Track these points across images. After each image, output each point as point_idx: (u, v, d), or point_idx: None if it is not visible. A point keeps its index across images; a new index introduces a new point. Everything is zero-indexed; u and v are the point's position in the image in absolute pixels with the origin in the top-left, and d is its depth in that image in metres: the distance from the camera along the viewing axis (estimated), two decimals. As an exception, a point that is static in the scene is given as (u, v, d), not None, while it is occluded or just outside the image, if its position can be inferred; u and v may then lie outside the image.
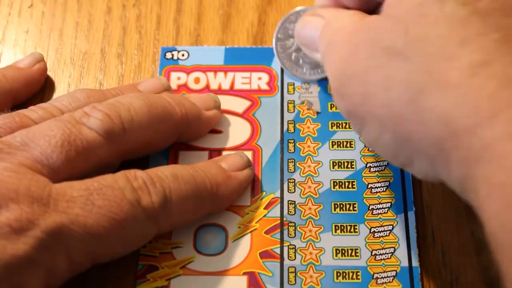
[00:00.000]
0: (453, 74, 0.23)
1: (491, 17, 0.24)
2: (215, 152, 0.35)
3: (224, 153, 0.35)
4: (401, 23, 0.26)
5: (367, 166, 0.34)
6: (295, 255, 0.32)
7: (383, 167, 0.34)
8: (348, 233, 0.32)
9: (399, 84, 0.25)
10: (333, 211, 0.33)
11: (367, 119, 0.27)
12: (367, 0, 0.32)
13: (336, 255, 0.32)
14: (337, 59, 0.29)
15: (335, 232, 0.32)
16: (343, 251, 0.32)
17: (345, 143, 0.35)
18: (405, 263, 0.32)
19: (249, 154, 0.35)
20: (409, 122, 0.25)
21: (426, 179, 0.27)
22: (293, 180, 0.34)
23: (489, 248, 0.32)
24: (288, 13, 0.36)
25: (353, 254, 0.32)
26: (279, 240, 0.32)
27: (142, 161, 0.34)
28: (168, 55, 0.38)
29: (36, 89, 0.37)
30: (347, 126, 0.35)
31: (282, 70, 0.37)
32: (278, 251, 0.32)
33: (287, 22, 0.37)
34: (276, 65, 0.37)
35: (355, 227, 0.33)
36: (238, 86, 0.37)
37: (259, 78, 0.37)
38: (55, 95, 0.37)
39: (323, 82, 0.37)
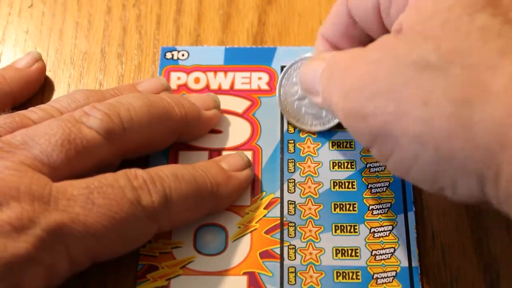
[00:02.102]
0: (499, 84, 0.22)
1: None
2: (215, 152, 0.35)
3: (224, 153, 0.35)
4: (430, 38, 0.25)
5: (367, 166, 0.34)
6: (295, 255, 0.32)
7: (383, 167, 0.34)
8: (348, 233, 0.32)
9: (439, 98, 0.24)
10: (333, 211, 0.33)
11: (400, 138, 0.25)
12: (366, 42, 0.32)
13: (336, 255, 0.32)
14: (348, 82, 0.27)
15: (335, 232, 0.32)
16: (343, 251, 0.32)
17: (345, 143, 0.35)
18: (405, 263, 0.32)
19: (249, 154, 0.35)
20: (454, 137, 0.23)
21: (469, 202, 0.25)
22: (293, 180, 0.34)
23: (489, 248, 0.32)
24: (293, 60, 0.35)
25: (353, 254, 0.32)
26: (279, 240, 0.32)
27: (142, 161, 0.34)
28: (168, 55, 0.38)
29: (36, 89, 0.37)
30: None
31: (282, 70, 0.37)
32: (278, 251, 0.32)
33: (292, 69, 0.36)
34: (276, 65, 0.37)
35: (355, 227, 0.33)
36: (238, 86, 0.37)
37: (259, 78, 0.37)
38: (55, 95, 0.37)
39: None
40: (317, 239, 0.32)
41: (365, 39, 0.32)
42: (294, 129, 0.35)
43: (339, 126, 0.35)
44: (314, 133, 0.35)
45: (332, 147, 0.35)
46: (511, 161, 0.22)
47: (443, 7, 0.25)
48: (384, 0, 0.29)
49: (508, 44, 0.23)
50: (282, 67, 0.37)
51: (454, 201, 0.25)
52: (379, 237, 0.32)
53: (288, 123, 0.35)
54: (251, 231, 0.33)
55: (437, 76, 0.24)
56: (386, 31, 0.30)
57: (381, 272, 0.31)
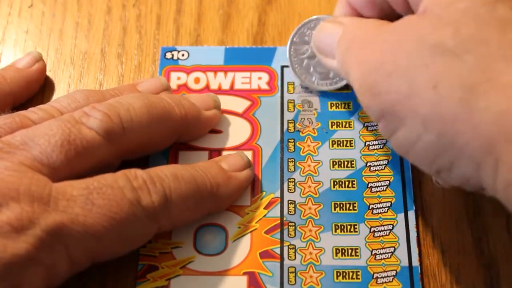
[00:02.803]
0: (510, 76, 0.23)
1: None
2: (215, 152, 0.35)
3: (224, 153, 0.35)
4: (450, 23, 0.25)
5: (367, 165, 0.34)
6: (295, 255, 0.32)
7: (383, 166, 0.34)
8: (348, 233, 0.32)
9: (450, 83, 0.24)
10: (333, 211, 0.33)
11: (407, 118, 0.26)
12: (388, 13, 0.32)
13: (336, 255, 0.32)
14: (367, 58, 0.28)
15: (335, 231, 0.32)
16: (343, 251, 0.32)
17: (345, 142, 0.35)
18: (405, 263, 0.32)
19: (249, 154, 0.35)
20: (459, 122, 0.24)
21: (463, 186, 0.26)
22: (293, 180, 0.34)
23: (489, 248, 0.32)
24: (307, 19, 0.36)
25: (353, 253, 0.32)
26: (279, 240, 0.32)
27: (142, 161, 0.34)
28: (168, 55, 0.38)
29: (36, 89, 0.37)
30: (347, 125, 0.35)
31: (282, 70, 0.37)
32: (278, 251, 0.32)
33: (305, 27, 0.36)
34: (276, 65, 0.37)
35: (355, 226, 0.33)
36: (238, 86, 0.37)
37: (259, 78, 0.37)
38: (55, 95, 0.37)
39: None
40: (317, 238, 0.32)
41: (387, 9, 0.32)
42: (294, 129, 0.35)
43: (344, 88, 0.36)
44: (320, 91, 0.36)
45: (332, 146, 0.35)
46: (511, 153, 0.22)
47: None
48: None
49: None
50: (282, 67, 0.37)
51: (448, 185, 0.26)
52: (379, 236, 0.32)
53: (299, 80, 0.36)
54: (251, 231, 0.33)
55: (452, 61, 0.24)
56: (406, 6, 0.30)
57: (381, 272, 0.31)
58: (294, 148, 0.35)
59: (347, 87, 0.36)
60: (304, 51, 0.36)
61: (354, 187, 0.34)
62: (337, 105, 0.36)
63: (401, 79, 0.26)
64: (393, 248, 0.32)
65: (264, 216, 0.33)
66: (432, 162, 0.26)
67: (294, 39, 0.36)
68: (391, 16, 0.33)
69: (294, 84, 0.37)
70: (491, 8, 0.25)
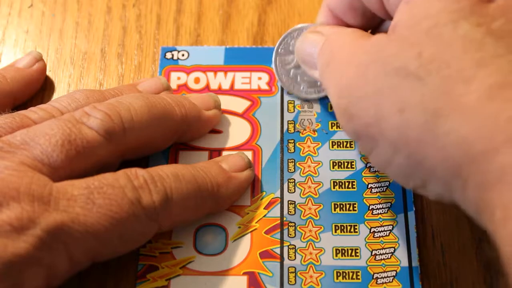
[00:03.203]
0: (470, 98, 0.23)
1: (506, 38, 0.24)
2: (215, 152, 0.35)
3: (224, 153, 0.35)
4: (414, 44, 0.25)
5: (367, 166, 0.34)
6: (295, 255, 0.32)
7: (383, 167, 0.34)
8: (348, 233, 0.32)
9: (414, 107, 0.24)
10: (333, 211, 0.33)
11: (378, 141, 0.26)
12: (370, 18, 0.33)
13: (336, 255, 0.32)
14: (342, 79, 0.28)
15: (335, 232, 0.32)
16: (343, 251, 0.32)
17: (345, 143, 0.35)
18: (405, 263, 0.32)
19: (249, 154, 0.35)
20: (425, 146, 0.24)
21: (439, 201, 0.26)
22: (293, 180, 0.34)
23: (488, 249, 0.32)
24: (290, 29, 0.36)
25: (353, 254, 0.32)
26: (279, 240, 0.32)
27: (142, 161, 0.34)
28: (168, 55, 0.38)
29: (36, 88, 0.37)
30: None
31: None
32: (278, 251, 0.32)
33: (289, 37, 0.36)
34: (276, 65, 0.37)
35: (355, 227, 0.33)
36: (238, 86, 0.37)
37: (259, 78, 0.37)
38: (55, 95, 0.37)
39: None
40: (317, 239, 0.32)
41: (369, 14, 0.32)
42: (294, 129, 0.35)
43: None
44: (308, 100, 0.36)
45: (332, 147, 0.35)
46: (476, 173, 0.22)
47: (432, 11, 0.25)
48: None
49: (485, 56, 0.23)
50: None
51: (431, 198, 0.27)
52: (379, 237, 0.32)
53: (285, 91, 0.36)
54: (251, 231, 0.33)
55: (415, 84, 0.24)
56: (387, 12, 0.30)
57: (381, 272, 0.31)
58: (294, 148, 0.35)
59: None
60: (290, 61, 0.36)
61: (354, 188, 0.34)
62: (337, 105, 0.36)
63: (370, 103, 0.26)
64: (393, 249, 0.32)
65: (264, 216, 0.33)
66: (406, 181, 0.27)
67: (279, 50, 0.36)
68: (374, 20, 0.33)
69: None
70: (453, 27, 0.24)
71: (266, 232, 0.32)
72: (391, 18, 0.30)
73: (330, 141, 0.35)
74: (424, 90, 0.24)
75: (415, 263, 0.32)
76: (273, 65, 0.36)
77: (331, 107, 0.36)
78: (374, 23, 0.34)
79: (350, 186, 0.34)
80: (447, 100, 0.23)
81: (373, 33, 0.33)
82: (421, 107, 0.24)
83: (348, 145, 0.35)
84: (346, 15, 0.33)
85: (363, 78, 0.27)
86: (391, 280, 0.31)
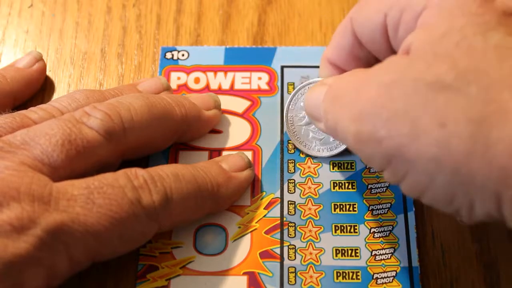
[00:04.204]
0: None
1: None
2: (215, 152, 0.35)
3: (224, 153, 0.35)
4: (446, 58, 0.24)
5: (367, 167, 0.34)
6: (295, 255, 0.32)
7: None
8: (348, 233, 0.32)
9: (456, 119, 0.23)
10: (333, 212, 0.33)
11: (416, 161, 0.24)
12: (372, 64, 0.32)
13: (336, 255, 0.32)
14: (359, 105, 0.26)
15: (335, 232, 0.32)
16: (343, 251, 0.32)
17: (345, 143, 0.35)
18: (405, 263, 0.32)
19: (249, 154, 0.35)
20: (474, 158, 0.23)
21: (485, 220, 0.25)
22: (293, 181, 0.34)
23: (489, 248, 0.32)
24: (300, 85, 0.35)
25: (353, 254, 0.32)
26: (279, 240, 0.32)
27: (142, 161, 0.34)
28: (168, 55, 0.38)
29: (36, 88, 0.37)
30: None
31: (282, 70, 0.37)
32: (278, 251, 0.32)
33: (299, 93, 0.35)
34: (276, 65, 0.37)
35: (355, 227, 0.33)
36: (238, 86, 0.37)
37: (259, 78, 0.37)
38: (55, 95, 0.37)
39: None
40: (317, 239, 0.32)
41: (372, 61, 0.32)
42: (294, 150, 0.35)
43: (346, 151, 0.34)
44: (321, 158, 0.35)
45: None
46: None
47: (456, 27, 0.25)
48: (391, 19, 0.28)
49: None
50: (282, 67, 0.37)
51: (472, 222, 0.25)
52: (379, 237, 0.32)
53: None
54: (251, 231, 0.33)
55: (454, 96, 0.23)
56: (393, 52, 0.30)
57: (381, 272, 0.31)
58: (294, 149, 0.35)
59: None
60: (301, 117, 0.35)
61: (354, 189, 0.34)
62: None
63: (402, 121, 0.25)
64: (393, 249, 0.32)
65: (264, 216, 0.33)
66: (450, 202, 0.25)
67: (290, 107, 0.35)
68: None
69: (294, 84, 0.37)
70: (484, 37, 0.24)
71: (266, 232, 0.32)
72: None
73: (330, 141, 0.35)
74: (465, 101, 0.23)
75: (415, 263, 0.32)
76: (284, 122, 0.35)
77: None
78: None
79: (350, 186, 0.34)
80: (492, 108, 0.22)
81: None
82: (465, 118, 0.23)
83: (348, 145, 0.35)
84: (348, 65, 0.33)
85: (388, 97, 0.25)
86: (391, 280, 0.31)
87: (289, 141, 0.35)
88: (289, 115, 0.35)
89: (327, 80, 0.31)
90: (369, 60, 0.32)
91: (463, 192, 0.24)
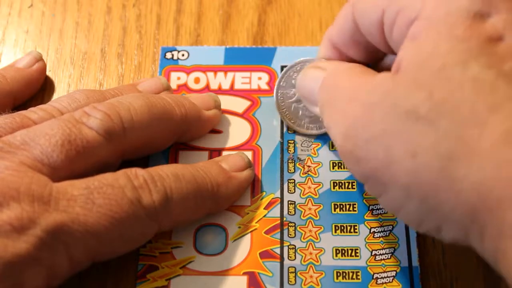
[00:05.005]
0: (485, 143, 0.22)
1: None
2: (215, 152, 0.35)
3: (224, 153, 0.35)
4: (423, 86, 0.24)
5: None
6: (295, 255, 0.32)
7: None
8: (348, 233, 0.32)
9: (427, 151, 0.23)
10: (333, 212, 0.33)
11: (388, 185, 0.25)
12: (372, 52, 0.32)
13: (336, 255, 0.32)
14: (346, 119, 0.27)
15: (335, 232, 0.32)
16: (343, 251, 0.32)
17: (345, 143, 0.35)
18: (405, 263, 0.32)
19: (249, 154, 0.35)
20: (440, 190, 0.23)
21: (454, 243, 0.25)
22: (293, 181, 0.34)
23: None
24: (293, 62, 0.35)
25: (353, 254, 0.32)
26: (279, 240, 0.32)
27: (142, 161, 0.34)
28: (168, 55, 0.38)
29: (36, 88, 0.37)
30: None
31: (282, 70, 0.37)
32: (278, 251, 0.32)
33: (291, 70, 0.35)
34: (276, 65, 0.37)
35: (355, 227, 0.33)
36: (238, 86, 0.37)
37: (259, 78, 0.37)
38: (55, 95, 0.37)
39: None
40: (317, 239, 0.32)
41: (371, 48, 0.31)
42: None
43: None
44: (310, 135, 0.35)
45: (332, 148, 0.35)
46: (493, 220, 0.22)
47: (441, 51, 0.24)
48: (388, 17, 0.28)
49: (498, 100, 0.22)
50: (282, 67, 0.37)
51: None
52: (379, 237, 0.32)
53: (284, 124, 0.35)
54: (251, 231, 0.33)
55: (426, 128, 0.24)
56: (389, 47, 0.30)
57: (381, 272, 0.31)
58: (294, 149, 0.35)
59: None
60: (292, 95, 0.35)
61: (354, 188, 0.34)
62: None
63: (378, 146, 0.25)
64: (393, 249, 0.32)
65: (264, 216, 0.33)
66: (420, 225, 0.26)
67: (281, 83, 0.35)
68: (377, 54, 0.32)
69: (294, 84, 0.37)
70: (463, 68, 0.23)
71: (266, 232, 0.32)
72: (394, 53, 0.29)
73: (330, 142, 0.35)
74: (436, 135, 0.23)
75: (415, 263, 0.32)
76: (274, 99, 0.35)
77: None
78: (376, 58, 0.33)
79: (350, 186, 0.34)
80: (461, 145, 0.23)
81: (374, 67, 0.32)
82: (434, 152, 0.23)
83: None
84: (348, 49, 0.32)
85: (369, 119, 0.26)
86: (391, 280, 0.31)
87: (289, 141, 0.35)
88: (279, 91, 0.35)
89: (325, 64, 0.32)
90: (369, 47, 0.32)
91: (431, 219, 0.25)
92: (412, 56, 0.26)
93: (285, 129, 0.35)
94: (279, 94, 0.35)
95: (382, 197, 0.27)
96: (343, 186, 0.34)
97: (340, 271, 0.31)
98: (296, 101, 0.35)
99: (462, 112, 0.23)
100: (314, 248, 0.32)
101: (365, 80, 0.28)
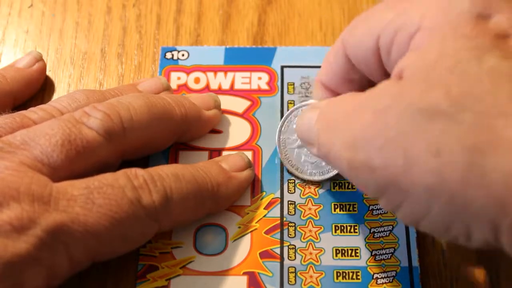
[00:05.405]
0: (511, 132, 0.22)
1: None
2: (215, 152, 0.35)
3: (224, 153, 0.35)
4: (439, 84, 0.23)
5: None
6: (295, 255, 0.32)
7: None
8: (348, 233, 0.32)
9: (451, 147, 0.22)
10: (333, 212, 0.33)
11: (410, 191, 0.24)
12: (365, 86, 0.31)
13: (336, 255, 0.32)
14: (353, 132, 0.26)
15: (335, 232, 0.32)
16: (343, 251, 0.32)
17: (345, 143, 0.35)
18: (405, 263, 0.32)
19: (249, 154, 0.35)
20: (469, 187, 0.22)
21: (483, 248, 0.24)
22: (293, 181, 0.34)
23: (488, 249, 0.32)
24: (293, 107, 0.35)
25: (353, 254, 0.32)
26: (279, 240, 0.32)
27: (142, 161, 0.34)
28: (168, 55, 0.38)
29: (36, 88, 0.37)
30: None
31: (282, 70, 0.37)
32: (278, 251, 0.32)
33: (293, 115, 0.35)
34: (276, 65, 0.37)
35: (355, 227, 0.33)
36: (238, 86, 0.37)
37: (259, 78, 0.37)
38: (55, 95, 0.37)
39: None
40: (317, 239, 0.32)
41: (365, 83, 0.31)
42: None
43: (338, 176, 0.34)
44: (313, 183, 0.34)
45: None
46: None
47: (449, 51, 0.24)
48: (384, 40, 0.28)
49: None
50: (282, 67, 0.37)
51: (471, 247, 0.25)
52: (379, 237, 0.32)
53: (287, 171, 0.34)
54: (251, 231, 0.33)
55: (449, 123, 0.23)
56: (386, 74, 0.29)
57: (381, 272, 0.31)
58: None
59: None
60: (293, 140, 0.34)
61: (354, 189, 0.34)
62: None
63: (395, 150, 0.24)
64: (393, 249, 0.32)
65: (264, 216, 0.33)
66: (446, 231, 0.24)
67: (282, 129, 0.35)
68: (369, 87, 0.32)
69: (294, 84, 0.37)
70: (479, 62, 0.23)
71: (266, 232, 0.32)
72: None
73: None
74: (460, 128, 0.22)
75: (415, 263, 0.32)
76: (276, 144, 0.35)
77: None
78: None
79: (350, 186, 0.34)
80: (488, 136, 0.22)
81: None
82: (460, 146, 0.22)
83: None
84: (341, 88, 0.32)
85: (381, 124, 0.25)
86: (391, 280, 0.31)
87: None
88: (281, 137, 0.35)
89: (319, 103, 0.31)
90: (363, 82, 0.31)
91: (460, 221, 0.23)
92: (417, 61, 0.25)
93: (277, 151, 0.35)
94: (281, 140, 0.35)
95: (403, 206, 0.25)
96: (343, 186, 0.34)
97: (340, 271, 0.31)
98: (298, 147, 0.34)
99: (485, 104, 0.22)
100: (314, 248, 0.32)
101: (364, 95, 0.27)
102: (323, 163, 0.34)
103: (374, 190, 0.26)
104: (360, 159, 0.25)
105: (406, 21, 0.26)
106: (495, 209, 0.22)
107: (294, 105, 0.36)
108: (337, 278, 0.31)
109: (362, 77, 0.31)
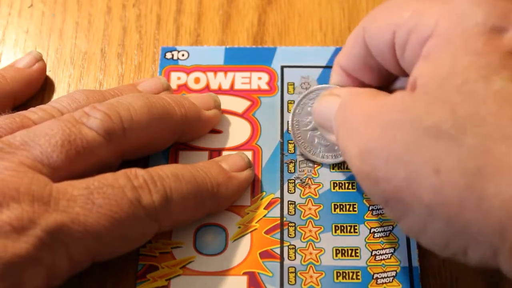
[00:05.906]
0: None
1: None
2: (215, 152, 0.35)
3: (224, 153, 0.35)
4: (445, 102, 0.24)
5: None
6: (295, 255, 0.32)
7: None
8: (348, 234, 0.32)
9: (451, 168, 0.23)
10: (333, 212, 0.33)
11: (411, 205, 0.24)
12: (384, 75, 0.32)
13: (336, 255, 0.32)
14: (363, 140, 0.26)
15: (335, 232, 0.32)
16: (343, 251, 0.32)
17: (345, 143, 0.35)
18: (405, 263, 0.32)
19: (249, 154, 0.35)
20: (468, 210, 0.22)
21: (480, 266, 0.24)
22: (293, 181, 0.34)
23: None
24: (308, 90, 0.35)
25: (353, 254, 0.32)
26: (279, 240, 0.32)
27: (142, 161, 0.34)
28: (168, 55, 0.38)
29: (36, 88, 0.37)
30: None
31: (282, 70, 0.37)
32: (278, 251, 0.32)
33: (307, 98, 0.35)
34: (276, 65, 0.37)
35: (355, 227, 0.33)
36: (238, 86, 0.37)
37: (259, 78, 0.37)
38: (55, 95, 0.37)
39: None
40: (317, 239, 0.32)
41: (383, 71, 0.31)
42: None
43: None
44: (326, 165, 0.34)
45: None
46: None
47: (460, 67, 0.24)
48: (399, 38, 0.28)
49: None
50: (282, 67, 0.37)
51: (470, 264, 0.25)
52: (379, 237, 0.32)
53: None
54: (251, 231, 0.33)
55: (450, 144, 0.23)
56: (401, 69, 0.29)
57: (381, 272, 0.31)
58: (294, 149, 0.35)
59: None
60: (307, 123, 0.35)
61: (354, 189, 0.34)
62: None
63: (399, 164, 0.24)
64: (393, 249, 0.32)
65: (264, 216, 0.33)
66: (444, 248, 0.25)
67: (296, 111, 0.35)
68: (389, 77, 0.32)
69: (294, 84, 0.37)
70: (486, 83, 0.23)
71: (266, 232, 0.33)
72: (405, 75, 0.29)
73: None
74: (460, 151, 0.23)
75: (415, 263, 0.32)
76: (289, 126, 0.35)
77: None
78: (387, 81, 0.33)
79: (350, 186, 0.34)
80: (488, 160, 0.22)
81: (385, 90, 0.31)
82: (459, 168, 0.22)
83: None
84: (359, 74, 0.32)
85: (388, 138, 0.25)
86: (391, 280, 0.31)
87: (290, 141, 0.35)
88: (295, 119, 0.35)
89: (339, 90, 0.31)
90: (381, 70, 0.31)
91: (458, 240, 0.24)
92: (429, 72, 0.25)
93: (285, 129, 0.35)
94: (294, 122, 0.35)
95: (404, 219, 0.25)
96: (343, 186, 0.34)
97: (340, 271, 0.31)
98: (311, 129, 0.35)
99: (488, 127, 0.22)
100: (314, 248, 0.32)
101: (381, 101, 0.27)
102: (336, 147, 0.34)
103: (378, 200, 0.27)
104: (366, 169, 0.26)
105: (420, 24, 0.26)
106: (494, 234, 0.22)
107: (294, 104, 0.36)
108: (337, 278, 0.31)
109: (380, 65, 0.31)
